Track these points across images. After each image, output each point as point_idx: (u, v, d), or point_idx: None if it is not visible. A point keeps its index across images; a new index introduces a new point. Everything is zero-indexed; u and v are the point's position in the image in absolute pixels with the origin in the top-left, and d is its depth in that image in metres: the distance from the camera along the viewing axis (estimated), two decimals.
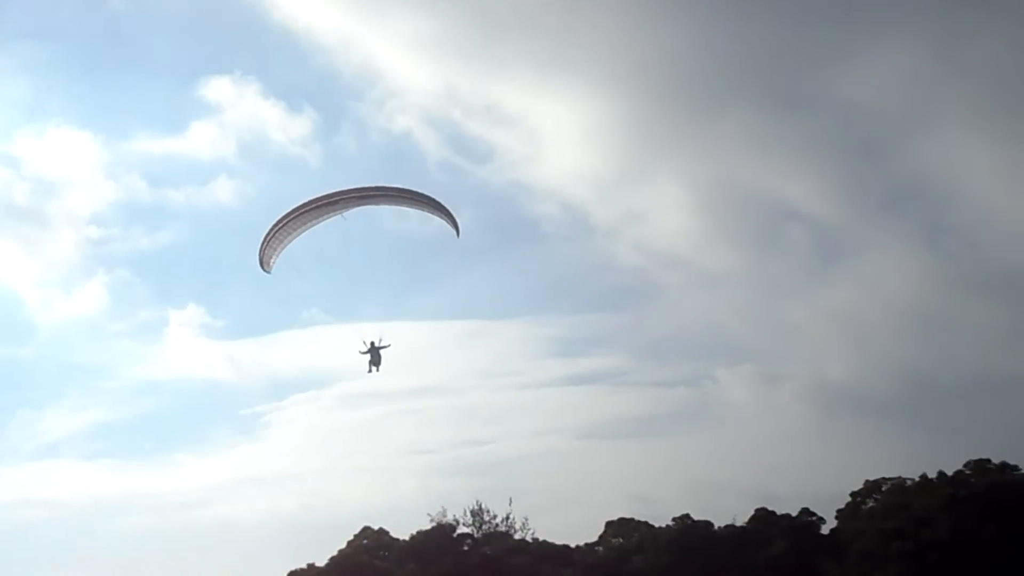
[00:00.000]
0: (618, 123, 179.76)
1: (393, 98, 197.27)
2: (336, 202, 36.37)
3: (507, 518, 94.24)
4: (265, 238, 37.47)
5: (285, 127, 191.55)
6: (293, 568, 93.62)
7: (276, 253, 38.45)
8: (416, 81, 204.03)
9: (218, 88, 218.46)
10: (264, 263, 38.76)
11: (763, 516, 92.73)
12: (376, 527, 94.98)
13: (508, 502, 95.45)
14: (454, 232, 38.53)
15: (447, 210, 37.76)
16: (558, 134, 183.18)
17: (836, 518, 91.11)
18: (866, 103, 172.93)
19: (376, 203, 37.95)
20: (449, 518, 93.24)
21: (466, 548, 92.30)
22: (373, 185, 38.12)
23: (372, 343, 40.24)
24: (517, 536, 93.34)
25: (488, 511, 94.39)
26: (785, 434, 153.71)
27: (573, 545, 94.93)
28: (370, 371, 40.84)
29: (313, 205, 36.40)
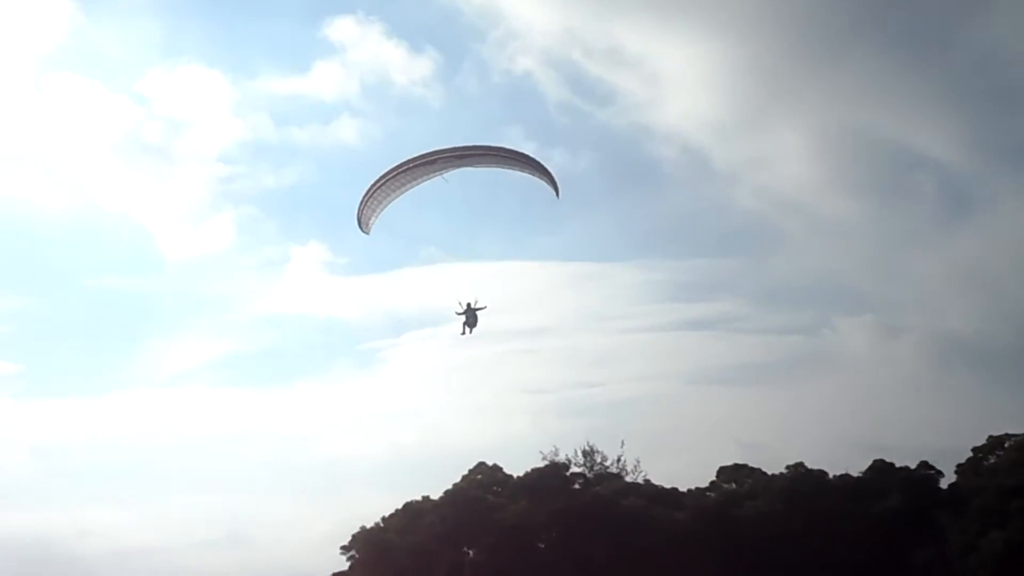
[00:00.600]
0: (741, 67, 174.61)
1: (514, 39, 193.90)
2: (434, 162, 35.74)
3: (618, 460, 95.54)
4: (363, 199, 36.94)
5: (407, 68, 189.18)
6: (409, 500, 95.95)
7: (375, 214, 37.86)
8: (537, 22, 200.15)
9: (342, 28, 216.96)
10: (363, 224, 38.19)
11: (880, 467, 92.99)
12: (490, 463, 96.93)
13: (620, 444, 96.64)
14: (554, 193, 37.79)
15: (547, 171, 37.05)
16: (680, 77, 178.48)
17: (955, 473, 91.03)
18: (1003, 48, 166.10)
19: (475, 164, 37.02)
20: (561, 458, 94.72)
21: (578, 487, 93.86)
22: (473, 144, 37.33)
23: (468, 304, 39.89)
24: (628, 478, 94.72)
25: (600, 452, 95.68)
26: (904, 386, 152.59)
27: (684, 489, 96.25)
28: (463, 332, 40.28)
29: (411, 165, 35.84)
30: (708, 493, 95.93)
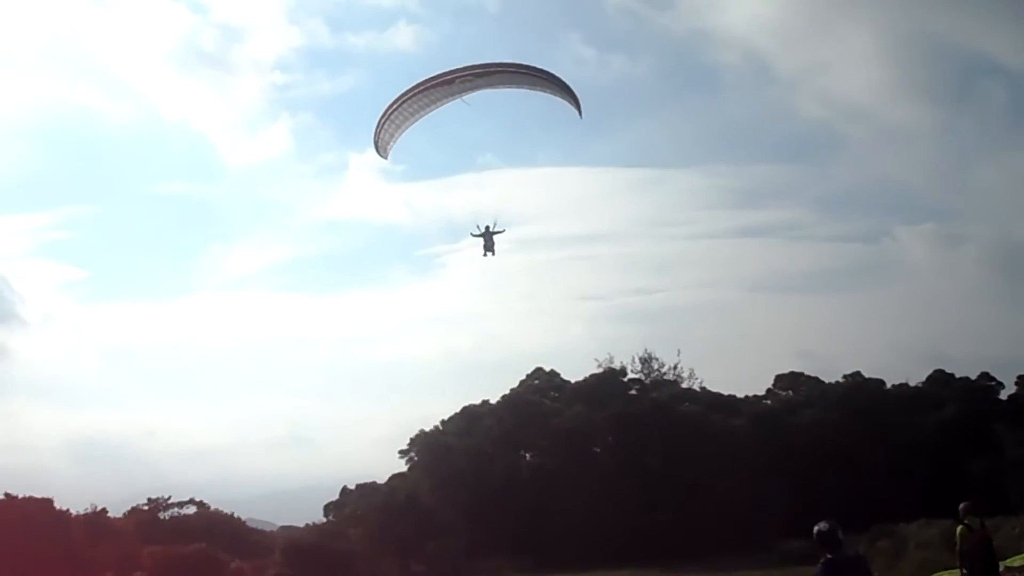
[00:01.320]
0: None
1: None
2: (452, 82, 34.39)
3: (675, 367, 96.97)
4: (380, 122, 35.80)
5: None
6: (466, 404, 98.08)
7: (393, 139, 36.80)
8: None
9: None
10: (380, 149, 37.19)
11: (938, 377, 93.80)
12: (548, 369, 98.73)
13: (676, 352, 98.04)
14: (577, 114, 36.35)
15: (571, 90, 35.74)
16: None
17: (1016, 384, 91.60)
18: None
19: (494, 85, 35.60)
20: (616, 365, 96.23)
21: (634, 393, 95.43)
22: (492, 62, 35.82)
23: (487, 227, 38.78)
24: (684, 385, 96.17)
25: (657, 359, 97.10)
26: (965, 296, 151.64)
27: (740, 396, 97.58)
28: (485, 255, 39.35)
29: (427, 85, 34.68)
30: (764, 400, 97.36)
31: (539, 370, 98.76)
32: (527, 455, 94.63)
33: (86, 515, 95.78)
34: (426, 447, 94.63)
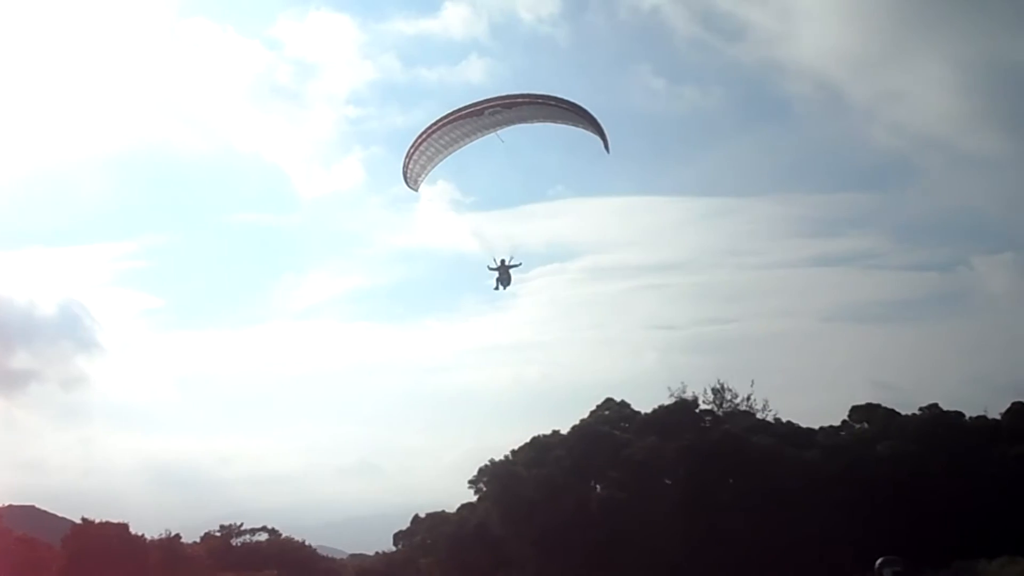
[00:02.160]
0: None
1: None
2: (481, 112, 34.33)
3: (748, 398, 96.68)
4: (408, 153, 35.68)
5: (535, 7, 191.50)
6: (536, 434, 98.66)
7: (425, 171, 36.72)
8: None
9: None
10: (410, 181, 36.99)
11: (1019, 410, 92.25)
12: (618, 399, 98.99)
13: (750, 383, 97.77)
14: (604, 148, 36.08)
15: (598, 124, 35.40)
16: (813, 10, 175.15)
17: None
18: None
19: (523, 119, 35.43)
20: (689, 395, 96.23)
21: (707, 424, 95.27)
22: (520, 93, 35.71)
23: (503, 261, 38.53)
24: (758, 416, 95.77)
25: (730, 389, 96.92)
26: None
27: (815, 428, 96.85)
28: (496, 288, 39.07)
29: (456, 116, 34.65)
30: (839, 432, 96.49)
31: (609, 400, 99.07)
32: (597, 486, 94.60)
33: (160, 540, 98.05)
34: (496, 477, 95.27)
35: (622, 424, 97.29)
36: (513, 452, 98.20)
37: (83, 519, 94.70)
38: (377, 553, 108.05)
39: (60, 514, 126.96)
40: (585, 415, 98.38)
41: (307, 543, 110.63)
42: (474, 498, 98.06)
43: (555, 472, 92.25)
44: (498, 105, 34.26)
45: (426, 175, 37.00)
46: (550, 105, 34.97)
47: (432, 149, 35.53)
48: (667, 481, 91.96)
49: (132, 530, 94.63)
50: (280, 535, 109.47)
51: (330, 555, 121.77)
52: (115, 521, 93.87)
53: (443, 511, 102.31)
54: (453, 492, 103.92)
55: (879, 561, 19.15)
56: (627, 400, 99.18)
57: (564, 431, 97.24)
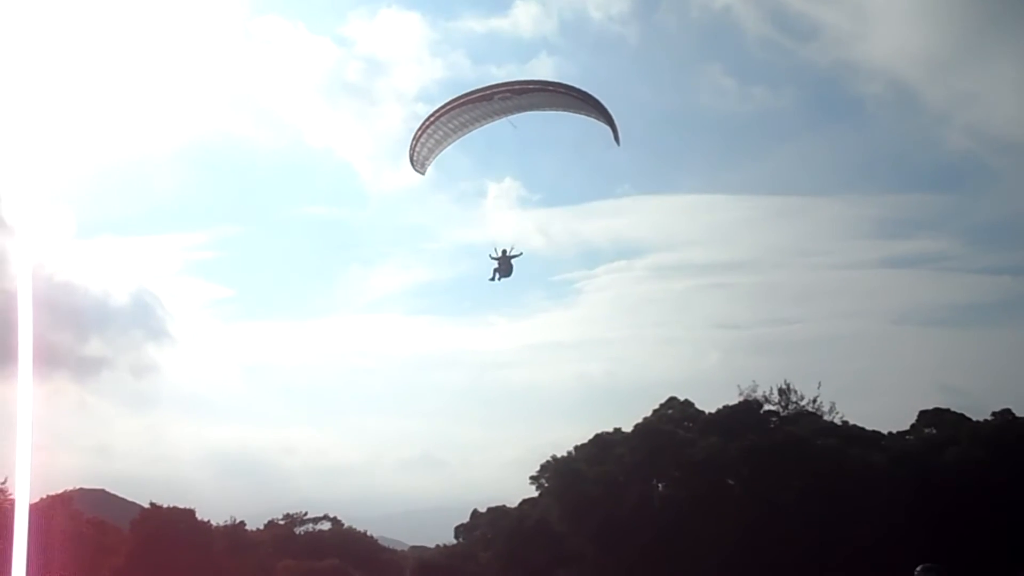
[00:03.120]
0: None
1: None
2: (490, 97, 34.24)
3: (815, 400, 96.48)
4: (416, 136, 35.54)
5: (605, 5, 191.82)
6: (599, 431, 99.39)
7: (433, 154, 36.47)
8: None
9: None
10: (417, 164, 36.67)
11: None
12: (681, 398, 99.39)
13: (817, 385, 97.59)
14: (614, 139, 35.46)
15: (609, 115, 34.85)
16: (888, 10, 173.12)
17: None
18: None
19: (532, 106, 35.14)
20: (758, 394, 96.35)
21: (772, 425, 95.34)
22: (530, 79, 36.15)
23: (504, 251, 38.27)
24: (825, 419, 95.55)
25: (796, 391, 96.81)
26: None
27: (882, 432, 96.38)
28: (493, 278, 38.70)
29: (465, 100, 34.34)
30: (907, 437, 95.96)
31: (673, 399, 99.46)
32: (659, 485, 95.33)
33: (226, 527, 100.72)
34: (557, 473, 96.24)
35: (685, 423, 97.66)
36: (575, 449, 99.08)
37: (151, 504, 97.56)
38: (438, 546, 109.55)
39: (129, 498, 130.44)
40: (648, 413, 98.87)
41: (369, 534, 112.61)
42: (535, 494, 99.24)
43: (617, 470, 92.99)
44: (507, 91, 34.24)
45: (434, 158, 36.89)
46: (560, 93, 34.92)
47: (441, 132, 35.48)
48: (729, 481, 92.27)
49: (198, 516, 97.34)
50: (343, 525, 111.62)
51: (391, 546, 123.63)
52: (182, 507, 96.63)
53: (504, 506, 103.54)
54: (514, 487, 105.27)
55: (919, 568, 19.64)
56: (691, 399, 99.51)
57: (627, 429, 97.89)
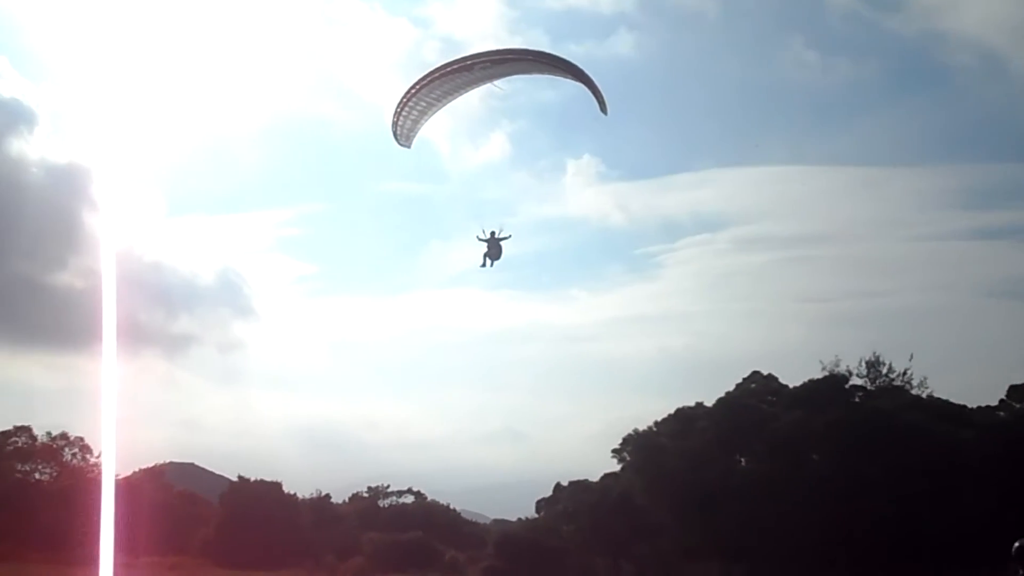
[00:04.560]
0: None
1: None
2: (472, 67, 33.50)
3: (904, 373, 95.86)
4: (397, 110, 34.65)
5: None
6: (681, 406, 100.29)
7: (417, 125, 35.57)
8: None
9: None
10: (401, 137, 35.80)
11: None
12: (765, 372, 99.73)
13: (908, 357, 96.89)
14: (600, 108, 34.30)
15: (592, 82, 33.91)
16: None
17: None
18: None
19: (515, 71, 34.51)
20: (842, 368, 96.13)
21: (857, 400, 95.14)
22: (510, 48, 35.29)
23: (492, 232, 37.07)
24: (914, 392, 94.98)
25: (884, 363, 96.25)
26: None
27: (971, 406, 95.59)
28: (484, 264, 37.49)
29: (447, 70, 33.69)
30: (997, 412, 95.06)
31: (756, 373, 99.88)
32: (742, 460, 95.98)
33: (311, 499, 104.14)
34: (639, 448, 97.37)
35: (769, 397, 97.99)
36: (657, 423, 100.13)
37: (239, 477, 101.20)
38: (520, 519, 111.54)
39: (217, 471, 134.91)
40: (731, 388, 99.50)
41: (451, 507, 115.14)
42: (617, 468, 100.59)
43: (699, 444, 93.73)
44: (487, 61, 33.58)
45: (419, 130, 35.93)
46: (542, 62, 34.33)
47: (424, 103, 34.75)
48: (814, 456, 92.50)
49: (285, 489, 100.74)
50: (426, 498, 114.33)
51: (473, 520, 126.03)
52: (269, 480, 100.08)
53: (586, 480, 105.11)
54: (595, 461, 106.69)
55: (1016, 544, 20.21)
56: (774, 373, 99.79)
57: (709, 403, 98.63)
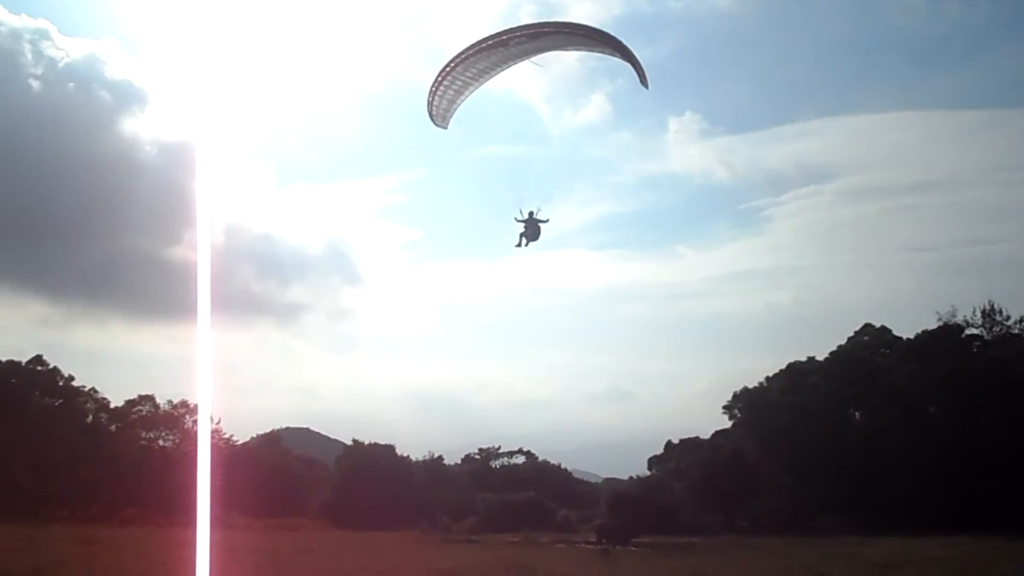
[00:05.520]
0: None
1: None
2: (507, 44, 32.39)
3: (1021, 321, 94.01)
4: (432, 89, 33.66)
5: None
6: (792, 360, 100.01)
7: (454, 105, 34.57)
8: None
9: None
10: (437, 118, 34.83)
11: None
12: (877, 325, 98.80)
13: None
14: (640, 82, 33.19)
15: (633, 56, 32.62)
16: None
17: None
18: None
19: (552, 47, 33.39)
20: (958, 318, 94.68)
21: (974, 350, 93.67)
22: (548, 21, 33.66)
23: (531, 213, 36.26)
24: None
25: (1001, 311, 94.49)
26: None
27: None
28: (520, 244, 36.52)
29: (480, 48, 32.47)
30: None
31: (868, 326, 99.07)
32: (856, 414, 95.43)
33: (424, 461, 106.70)
34: (750, 404, 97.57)
35: (882, 350, 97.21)
36: (768, 379, 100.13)
37: (354, 440, 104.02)
38: (631, 477, 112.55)
39: (331, 435, 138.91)
40: (842, 341, 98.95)
41: (563, 466, 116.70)
42: (728, 424, 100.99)
43: (811, 399, 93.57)
44: (523, 36, 32.53)
45: (455, 110, 34.87)
46: (578, 35, 33.07)
47: (459, 82, 33.80)
48: (930, 409, 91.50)
49: (398, 451, 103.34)
50: (537, 458, 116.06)
51: (584, 479, 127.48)
52: (383, 443, 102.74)
53: (696, 437, 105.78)
54: (704, 418, 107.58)
55: None
56: (887, 325, 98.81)
57: (820, 357, 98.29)
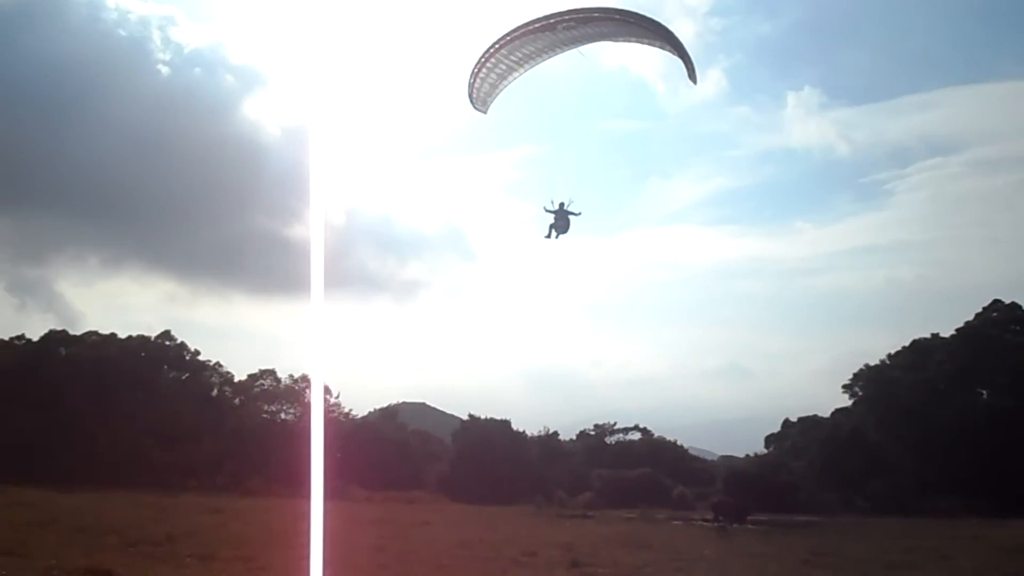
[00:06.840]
0: None
1: None
2: (554, 27, 30.74)
3: None
4: (474, 72, 32.34)
5: None
6: (915, 338, 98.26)
7: (496, 90, 33.29)
8: None
9: None
10: (478, 102, 33.57)
11: None
12: (1007, 301, 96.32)
13: None
14: (688, 75, 31.83)
15: (683, 48, 31.29)
16: None
17: None
18: None
19: (601, 36, 31.87)
20: None
21: None
22: (597, 7, 31.82)
23: (561, 204, 34.98)
24: None
25: None
26: None
27: None
28: (548, 235, 35.13)
29: (526, 31, 31.03)
30: None
31: (997, 302, 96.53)
32: (984, 393, 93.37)
33: (540, 437, 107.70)
34: (872, 382, 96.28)
35: (1012, 327, 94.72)
36: (890, 356, 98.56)
37: (470, 415, 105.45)
38: (748, 455, 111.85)
39: (447, 411, 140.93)
40: (969, 318, 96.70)
41: (678, 443, 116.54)
42: (848, 402, 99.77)
43: (937, 377, 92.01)
44: (571, 20, 31.02)
45: (496, 95, 33.66)
46: (629, 23, 31.63)
47: (503, 66, 32.44)
48: None
49: (513, 427, 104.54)
50: (652, 435, 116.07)
51: (700, 456, 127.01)
52: (498, 418, 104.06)
53: (815, 415, 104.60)
54: (824, 396, 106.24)
55: None
56: (1017, 302, 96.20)
57: (945, 334, 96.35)
